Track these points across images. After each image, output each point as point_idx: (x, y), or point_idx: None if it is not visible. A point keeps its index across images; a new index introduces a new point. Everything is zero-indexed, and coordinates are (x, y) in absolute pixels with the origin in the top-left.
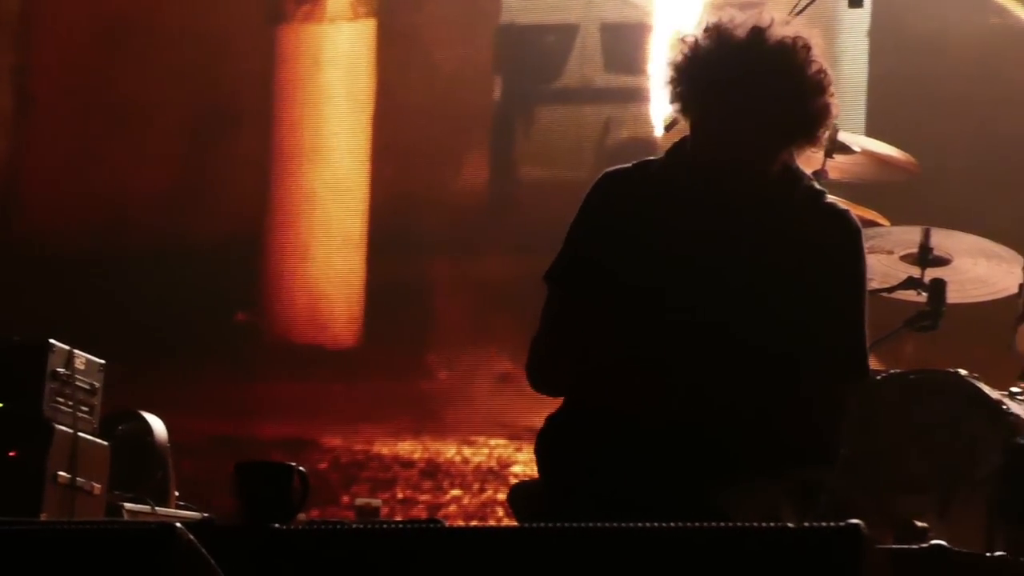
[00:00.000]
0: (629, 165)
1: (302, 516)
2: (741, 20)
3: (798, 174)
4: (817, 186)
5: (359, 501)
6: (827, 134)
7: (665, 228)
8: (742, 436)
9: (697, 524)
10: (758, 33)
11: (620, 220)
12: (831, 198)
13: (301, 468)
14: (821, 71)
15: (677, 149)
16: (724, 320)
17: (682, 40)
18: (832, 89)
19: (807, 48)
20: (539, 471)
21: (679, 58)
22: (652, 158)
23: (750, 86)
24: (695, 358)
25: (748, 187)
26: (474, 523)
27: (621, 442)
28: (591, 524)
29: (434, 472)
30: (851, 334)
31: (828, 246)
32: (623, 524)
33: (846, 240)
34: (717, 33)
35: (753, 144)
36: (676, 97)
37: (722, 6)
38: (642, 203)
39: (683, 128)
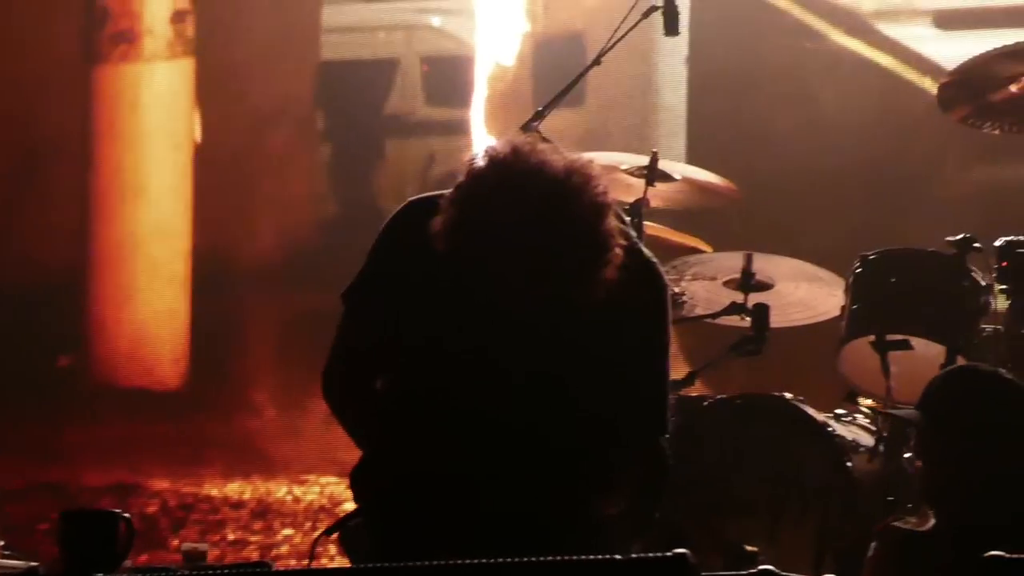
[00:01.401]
0: (436, 194)
1: (128, 563)
2: (531, 160)
3: None
4: (630, 238)
5: (185, 546)
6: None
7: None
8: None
9: (525, 559)
10: (541, 176)
11: (417, 250)
12: (643, 254)
13: (126, 515)
14: (604, 230)
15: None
16: (514, 361)
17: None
18: (608, 245)
19: (597, 206)
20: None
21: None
22: None
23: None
24: (478, 396)
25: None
26: (305, 563)
27: (427, 476)
28: (415, 564)
29: (265, 512)
30: (653, 392)
31: (633, 300)
32: (448, 562)
33: (651, 298)
34: (498, 168)
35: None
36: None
37: (540, 38)
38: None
39: None
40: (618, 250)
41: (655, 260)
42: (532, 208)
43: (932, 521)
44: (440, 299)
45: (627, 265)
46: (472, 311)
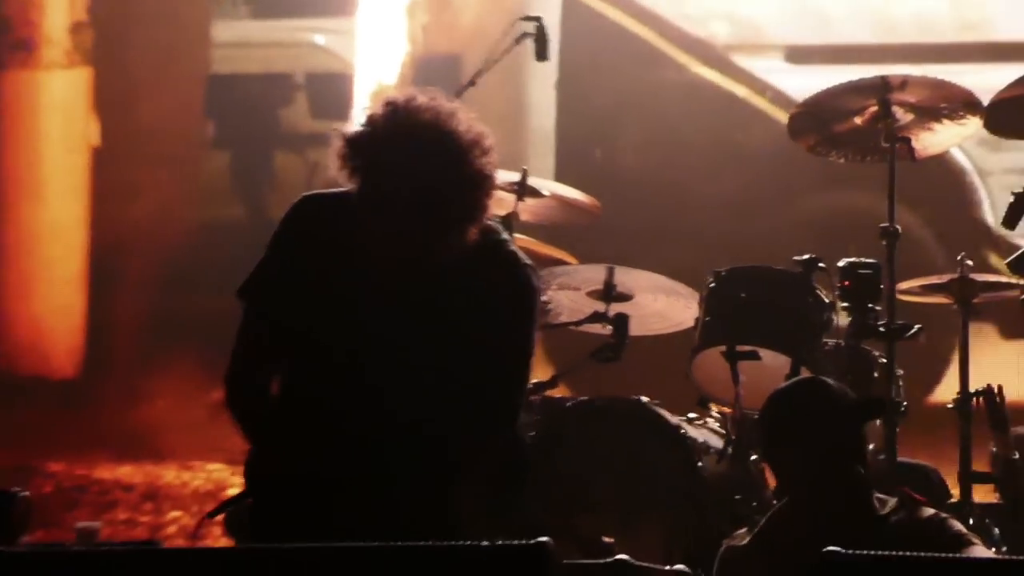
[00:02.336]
0: (329, 192)
1: (25, 539)
2: (414, 103)
3: (484, 227)
4: (499, 235)
5: (79, 524)
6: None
7: (349, 260)
8: (428, 459)
9: (395, 544)
10: (422, 114)
11: (312, 245)
12: (510, 247)
13: (24, 493)
14: (479, 159)
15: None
16: (393, 354)
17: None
18: (485, 170)
19: (471, 136)
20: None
21: (355, 134)
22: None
23: (411, 166)
24: (376, 385)
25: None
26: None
27: (315, 464)
28: (294, 545)
29: (154, 495)
30: (509, 381)
31: (498, 298)
32: (321, 544)
33: (516, 295)
34: (389, 114)
35: (417, 226)
36: (349, 169)
37: (420, 58)
38: (334, 232)
39: None
40: (490, 182)
41: (527, 260)
42: (419, 141)
43: (748, 538)
44: (322, 288)
45: (500, 259)
46: (349, 297)
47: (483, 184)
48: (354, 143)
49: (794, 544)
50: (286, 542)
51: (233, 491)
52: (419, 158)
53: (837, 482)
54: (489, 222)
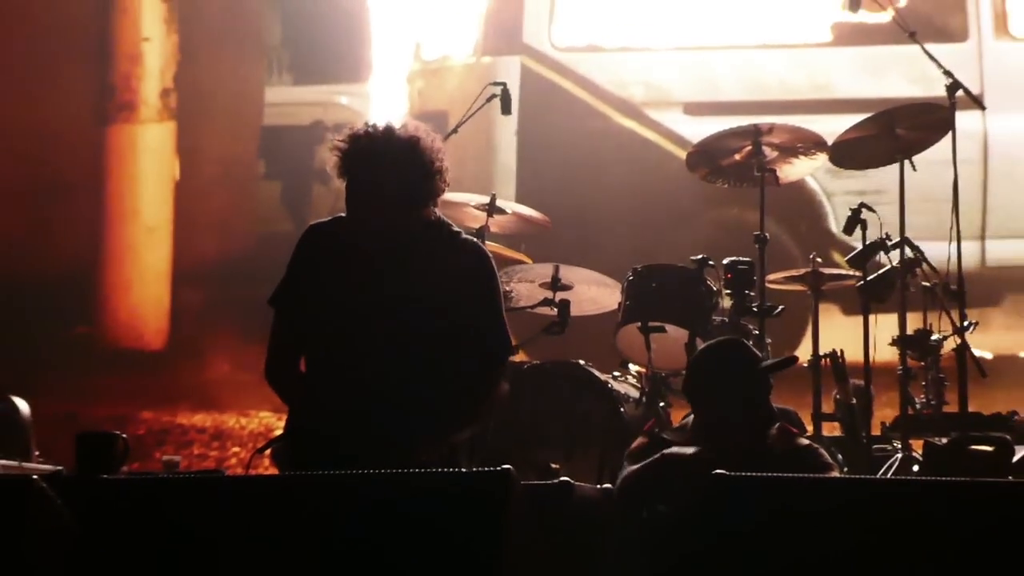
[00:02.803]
0: (327, 219)
1: (125, 468)
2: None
3: (441, 222)
4: (454, 228)
5: (164, 457)
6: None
7: (351, 266)
8: (423, 409)
9: (394, 471)
10: (396, 131)
11: (316, 262)
12: (465, 236)
13: (124, 435)
14: (436, 159)
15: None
16: (400, 329)
17: (350, 133)
18: (440, 168)
19: (432, 145)
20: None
21: (343, 144)
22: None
23: (387, 164)
24: (378, 357)
25: (400, 236)
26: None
27: (340, 417)
28: (322, 472)
29: (220, 435)
30: (495, 325)
31: (468, 269)
32: (342, 472)
33: (479, 264)
34: (369, 130)
35: (392, 205)
36: (339, 171)
37: (417, 113)
38: (337, 249)
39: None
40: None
41: (477, 241)
42: (399, 149)
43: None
44: (333, 289)
45: (460, 244)
46: (347, 294)
47: (435, 174)
48: (344, 153)
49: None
50: (313, 470)
51: (277, 432)
52: (390, 157)
53: (746, 419)
54: (446, 221)
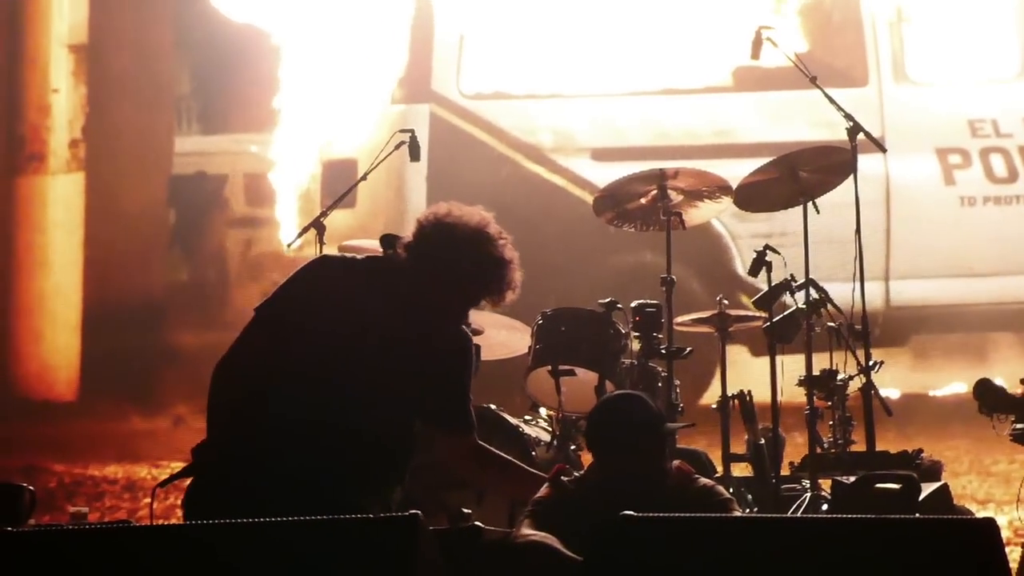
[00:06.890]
0: (339, 255)
1: (32, 521)
2: (458, 214)
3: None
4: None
5: (72, 509)
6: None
7: (334, 304)
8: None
9: (302, 518)
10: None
11: (308, 288)
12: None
13: (30, 487)
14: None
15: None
16: (362, 373)
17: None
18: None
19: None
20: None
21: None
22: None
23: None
24: (328, 394)
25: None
26: (159, 522)
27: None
28: (228, 520)
29: (132, 486)
30: (459, 404)
31: (450, 348)
32: (248, 519)
33: (463, 347)
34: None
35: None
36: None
37: (327, 161)
38: (331, 282)
39: None
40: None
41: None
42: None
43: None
44: (304, 317)
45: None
46: (322, 331)
47: (499, 265)
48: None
49: (602, 503)
50: (213, 512)
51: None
52: (454, 248)
53: (643, 469)
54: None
